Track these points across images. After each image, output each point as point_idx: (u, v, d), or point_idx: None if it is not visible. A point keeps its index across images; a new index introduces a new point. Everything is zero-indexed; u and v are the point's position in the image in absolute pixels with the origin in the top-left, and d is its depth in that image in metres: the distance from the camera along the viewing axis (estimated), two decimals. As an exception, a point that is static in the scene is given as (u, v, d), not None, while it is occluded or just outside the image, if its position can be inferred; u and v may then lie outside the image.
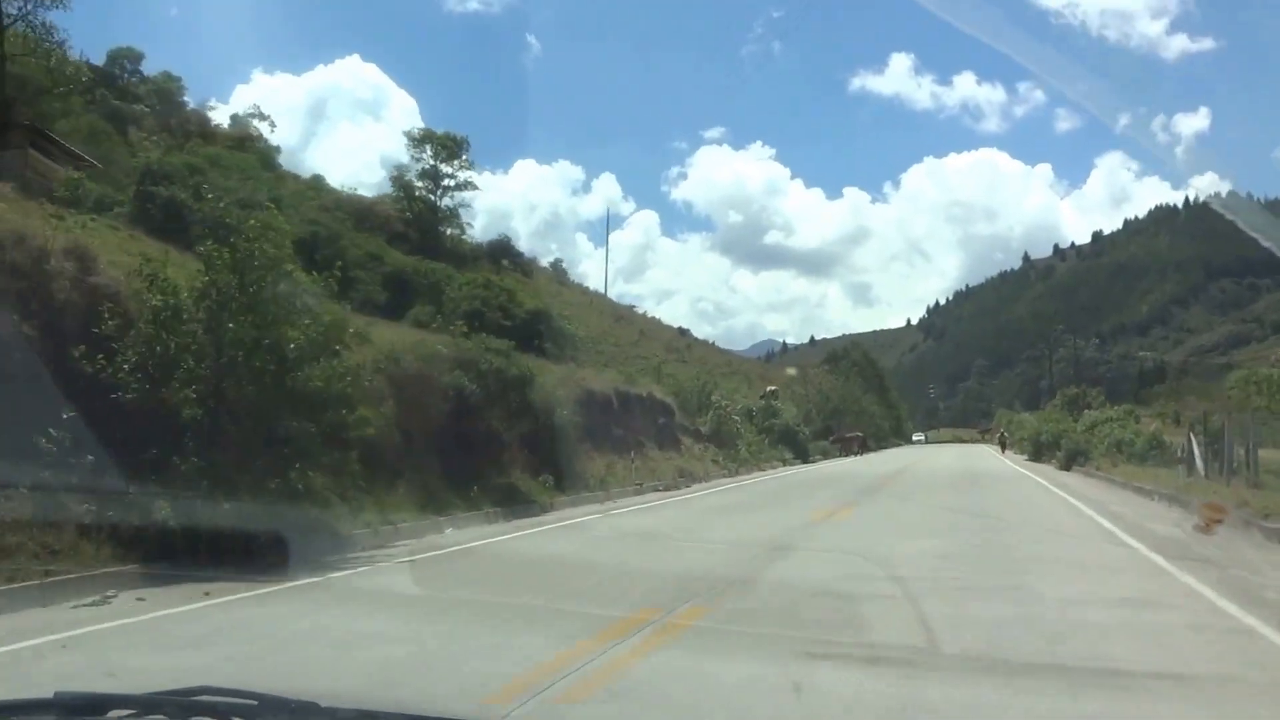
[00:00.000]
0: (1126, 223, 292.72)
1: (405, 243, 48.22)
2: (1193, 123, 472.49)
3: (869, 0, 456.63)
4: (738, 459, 42.50)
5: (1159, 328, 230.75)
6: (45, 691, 2.68)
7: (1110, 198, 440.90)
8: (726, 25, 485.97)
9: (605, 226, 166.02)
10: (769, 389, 75.11)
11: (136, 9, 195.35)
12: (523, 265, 65.05)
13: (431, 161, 53.92)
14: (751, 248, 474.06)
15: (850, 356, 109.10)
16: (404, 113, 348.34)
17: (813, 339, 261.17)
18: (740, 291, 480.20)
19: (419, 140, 54.47)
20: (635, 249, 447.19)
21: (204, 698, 2.73)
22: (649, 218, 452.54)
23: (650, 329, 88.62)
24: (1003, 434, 79.75)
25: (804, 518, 19.20)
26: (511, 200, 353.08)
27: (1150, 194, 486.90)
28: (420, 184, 53.92)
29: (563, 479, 24.48)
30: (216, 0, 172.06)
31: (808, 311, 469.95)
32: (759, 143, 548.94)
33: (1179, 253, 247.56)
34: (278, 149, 59.11)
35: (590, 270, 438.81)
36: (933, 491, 28.10)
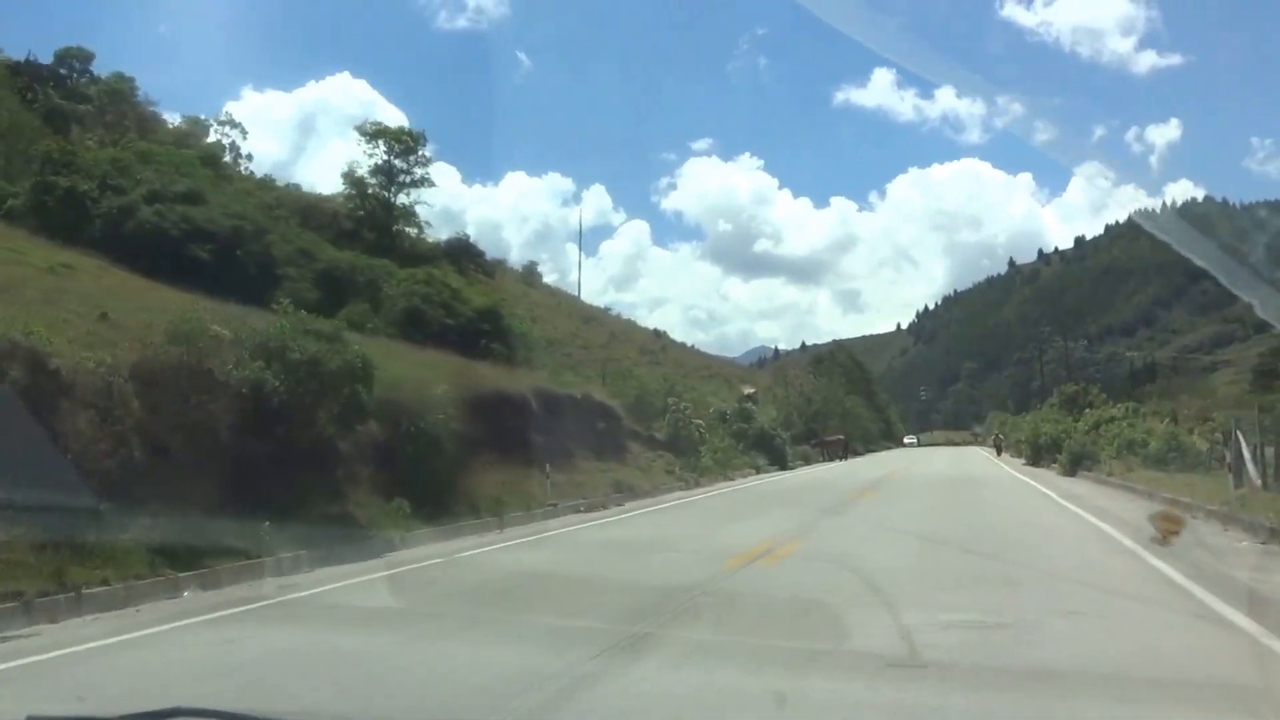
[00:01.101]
0: (1108, 227, 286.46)
1: (360, 242, 42.87)
2: (1164, 133, 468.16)
3: (850, 17, 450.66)
4: (698, 468, 35.85)
5: (1144, 329, 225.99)
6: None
7: (1090, 204, 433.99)
8: (713, 42, 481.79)
9: (579, 228, 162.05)
10: (747, 391, 68.62)
11: (123, 27, 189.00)
12: (484, 265, 59.39)
13: (385, 157, 48.21)
14: (742, 256, 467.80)
15: (836, 359, 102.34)
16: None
17: (804, 344, 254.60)
18: (732, 299, 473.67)
19: (371, 135, 48.61)
20: (626, 258, 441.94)
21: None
22: (640, 227, 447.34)
23: (623, 331, 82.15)
24: (998, 436, 73.06)
25: (715, 565, 12.42)
26: (502, 212, 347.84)
27: (1128, 201, 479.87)
28: (374, 181, 48.26)
29: (431, 504, 17.84)
30: (205, 18, 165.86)
31: (799, 318, 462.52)
32: (747, 154, 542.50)
33: (1160, 255, 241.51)
34: (248, 155, 54.41)
35: (583, 278, 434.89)
36: (916, 511, 21.36)
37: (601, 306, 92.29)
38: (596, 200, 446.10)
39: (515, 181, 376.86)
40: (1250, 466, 19.57)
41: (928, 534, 15.33)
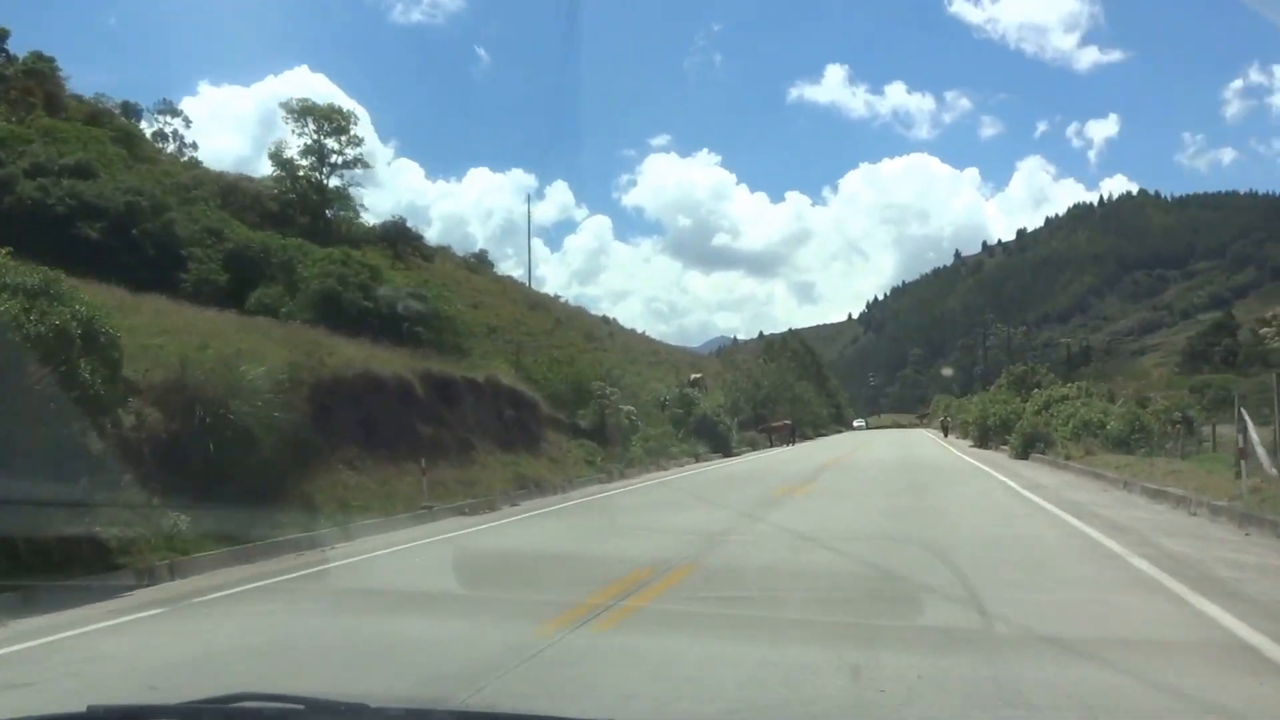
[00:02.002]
0: (1048, 220, 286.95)
1: (291, 226, 38.49)
2: (1103, 129, 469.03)
3: (805, 13, 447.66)
4: (625, 458, 31.12)
5: (1079, 316, 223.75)
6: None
7: (1031, 198, 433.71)
8: (669, 38, 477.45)
9: (528, 213, 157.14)
10: (693, 376, 63.82)
11: (71, 20, 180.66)
12: (423, 249, 54.78)
13: (315, 137, 43.37)
14: (701, 250, 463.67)
15: (788, 345, 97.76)
16: (356, 123, 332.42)
17: (761, 334, 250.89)
18: (692, 291, 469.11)
19: (300, 113, 43.59)
20: (589, 253, 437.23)
21: (246, 704, 2.57)
22: (601, 223, 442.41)
23: (570, 317, 77.18)
24: (945, 419, 68.76)
25: (548, 620, 7.55)
26: (466, 207, 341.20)
27: (1067, 194, 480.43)
28: (305, 162, 43.45)
29: (245, 515, 12.98)
30: (157, 13, 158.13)
31: (756, 309, 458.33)
32: (705, 150, 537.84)
33: (1096, 247, 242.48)
34: (192, 144, 50.84)
35: (548, 273, 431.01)
36: (856, 515, 16.62)
37: (551, 294, 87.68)
38: (559, 196, 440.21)
39: (478, 177, 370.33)
40: (1261, 452, 15.00)
41: (869, 556, 10.56)
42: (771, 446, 54.79)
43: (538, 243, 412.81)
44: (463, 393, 24.64)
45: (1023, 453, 32.17)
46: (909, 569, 9.28)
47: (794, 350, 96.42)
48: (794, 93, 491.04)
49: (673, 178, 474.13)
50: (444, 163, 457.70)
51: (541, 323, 71.66)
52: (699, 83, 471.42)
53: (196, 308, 21.23)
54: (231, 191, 41.46)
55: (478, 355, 33.54)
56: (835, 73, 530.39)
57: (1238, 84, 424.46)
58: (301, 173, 43.31)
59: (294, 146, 43.01)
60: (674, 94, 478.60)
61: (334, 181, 44.14)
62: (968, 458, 34.04)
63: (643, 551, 11.08)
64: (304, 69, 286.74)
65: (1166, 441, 26.00)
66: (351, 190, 44.82)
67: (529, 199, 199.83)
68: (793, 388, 70.07)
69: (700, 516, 15.52)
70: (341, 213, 44.84)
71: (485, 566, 11.23)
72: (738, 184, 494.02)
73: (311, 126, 43.36)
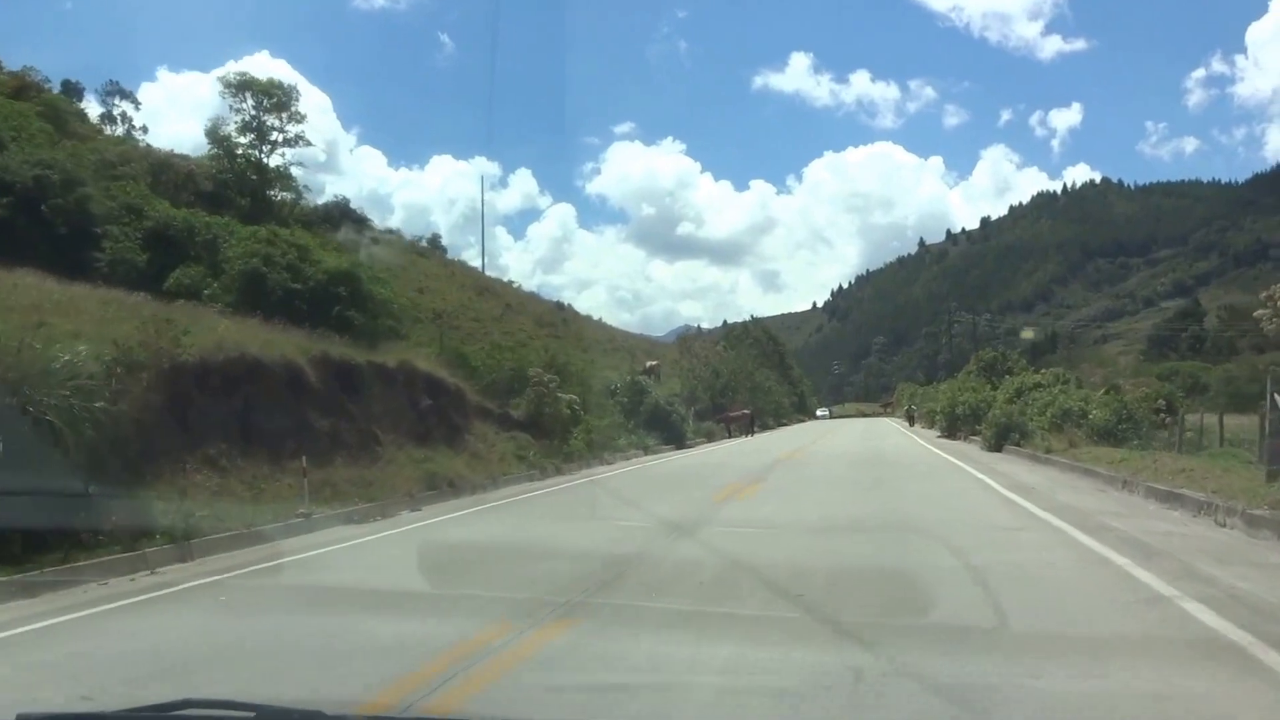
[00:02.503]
0: (1011, 209, 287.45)
1: (229, 206, 35.96)
2: (1066, 118, 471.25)
3: (769, 1, 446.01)
4: (563, 452, 28.30)
5: (1042, 304, 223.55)
6: None
7: (995, 187, 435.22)
8: (633, 25, 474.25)
9: (481, 199, 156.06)
10: (649, 364, 61.07)
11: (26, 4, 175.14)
12: (367, 231, 53.09)
13: (253, 112, 39.98)
14: (665, 239, 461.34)
15: (750, 332, 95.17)
16: (317, 109, 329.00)
17: (725, 323, 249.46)
18: (656, 280, 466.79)
19: (237, 87, 40.26)
20: (553, 241, 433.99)
21: (190, 711, 2.47)
22: (565, 211, 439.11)
23: (522, 303, 74.29)
24: (910, 408, 66.50)
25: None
26: (430, 195, 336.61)
27: (1031, 183, 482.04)
28: (243, 140, 40.29)
29: (45, 531, 10.07)
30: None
31: (720, 298, 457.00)
32: (670, 138, 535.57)
33: (1059, 235, 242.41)
34: (142, 127, 48.61)
35: (512, 261, 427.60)
36: (808, 529, 13.78)
37: (506, 280, 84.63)
38: (522, 184, 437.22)
39: (441, 165, 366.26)
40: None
41: (816, 600, 7.67)
42: (730, 437, 52.16)
43: (501, 231, 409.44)
44: (368, 380, 21.64)
45: (996, 445, 29.73)
46: (865, 633, 6.37)
47: (756, 337, 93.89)
48: (758, 81, 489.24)
49: (637, 166, 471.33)
50: (407, 150, 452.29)
51: (491, 308, 68.82)
52: (663, 70, 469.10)
53: (64, 284, 18.33)
54: (163, 169, 38.55)
55: (415, 341, 31.12)
56: (800, 61, 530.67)
57: (1200, 73, 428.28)
58: (240, 151, 40.16)
59: (232, 123, 39.84)
60: (638, 82, 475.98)
61: (276, 161, 41.02)
62: (937, 450, 31.54)
63: (492, 606, 8.18)
64: (264, 54, 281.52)
65: (1156, 433, 23.53)
66: (294, 169, 41.82)
67: (482, 181, 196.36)
68: (753, 375, 67.42)
69: (604, 537, 12.44)
70: (283, 194, 42.04)
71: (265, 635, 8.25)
72: (702, 172, 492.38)
73: (250, 102, 40.10)
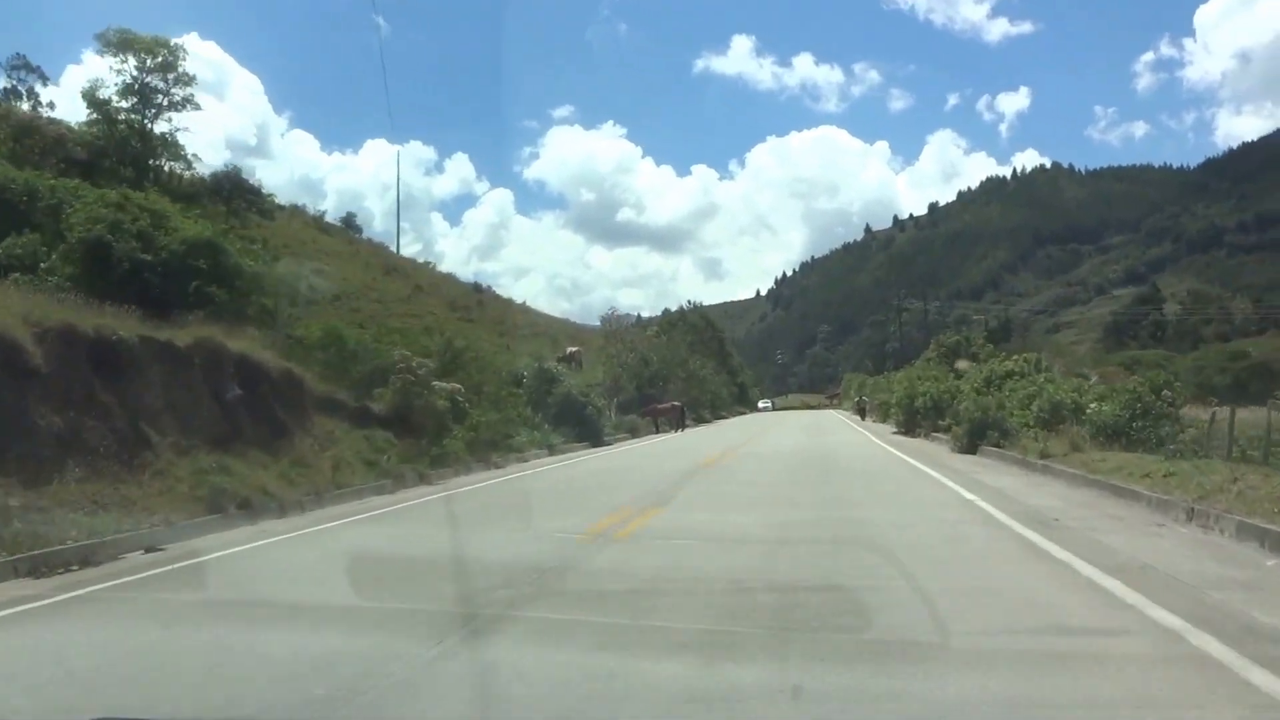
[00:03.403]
0: (960, 194, 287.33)
1: (110, 177, 32.84)
2: (1014, 102, 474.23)
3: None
4: (434, 454, 22.93)
5: (992, 291, 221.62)
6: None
7: (942, 173, 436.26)
8: (572, 7, 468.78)
9: (397, 174, 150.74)
10: (569, 350, 55.71)
11: None
12: (262, 204, 48.59)
13: (134, 74, 37.31)
14: (605, 225, 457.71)
15: (687, 318, 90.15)
16: (249, 92, 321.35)
17: (666, 312, 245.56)
18: (595, 268, 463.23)
19: (118, 46, 37.02)
20: (490, 227, 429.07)
21: None
22: (503, 196, 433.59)
23: (435, 285, 69.13)
24: (861, 399, 61.78)
25: None
26: (363, 180, 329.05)
27: (978, 168, 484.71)
28: (125, 104, 37.70)
29: None
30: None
31: (661, 286, 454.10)
32: (610, 122, 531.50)
33: (1008, 221, 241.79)
34: (49, 103, 46.45)
35: (448, 248, 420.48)
36: (719, 576, 8.61)
37: (420, 261, 78.92)
38: (459, 169, 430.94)
39: (376, 149, 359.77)
40: None
41: None
42: (658, 432, 47.08)
43: (437, 217, 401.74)
44: (142, 362, 16.13)
45: (969, 445, 24.80)
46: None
47: (693, 323, 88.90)
48: (700, 64, 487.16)
49: (576, 150, 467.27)
50: (340, 134, 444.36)
51: (397, 289, 63.62)
52: (603, 53, 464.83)
53: None
54: (26, 133, 34.54)
55: (305, 325, 27.23)
56: (742, 43, 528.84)
57: (1149, 57, 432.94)
58: (123, 117, 37.23)
59: (113, 86, 36.80)
60: (578, 64, 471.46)
61: (162, 127, 38.19)
62: (897, 450, 26.54)
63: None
64: (194, 36, 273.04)
65: (1179, 433, 18.67)
66: (181, 136, 38.55)
67: (398, 156, 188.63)
68: (687, 363, 62.26)
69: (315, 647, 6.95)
70: (171, 163, 39.22)
71: None
72: (643, 157, 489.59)
73: (133, 62, 37.04)
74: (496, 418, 29.61)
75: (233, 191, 44.70)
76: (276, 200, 68.16)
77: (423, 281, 69.17)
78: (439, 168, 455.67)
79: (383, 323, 41.61)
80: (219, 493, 14.67)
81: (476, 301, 69.28)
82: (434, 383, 27.35)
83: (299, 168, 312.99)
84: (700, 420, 61.85)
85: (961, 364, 41.11)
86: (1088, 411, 21.39)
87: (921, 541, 10.10)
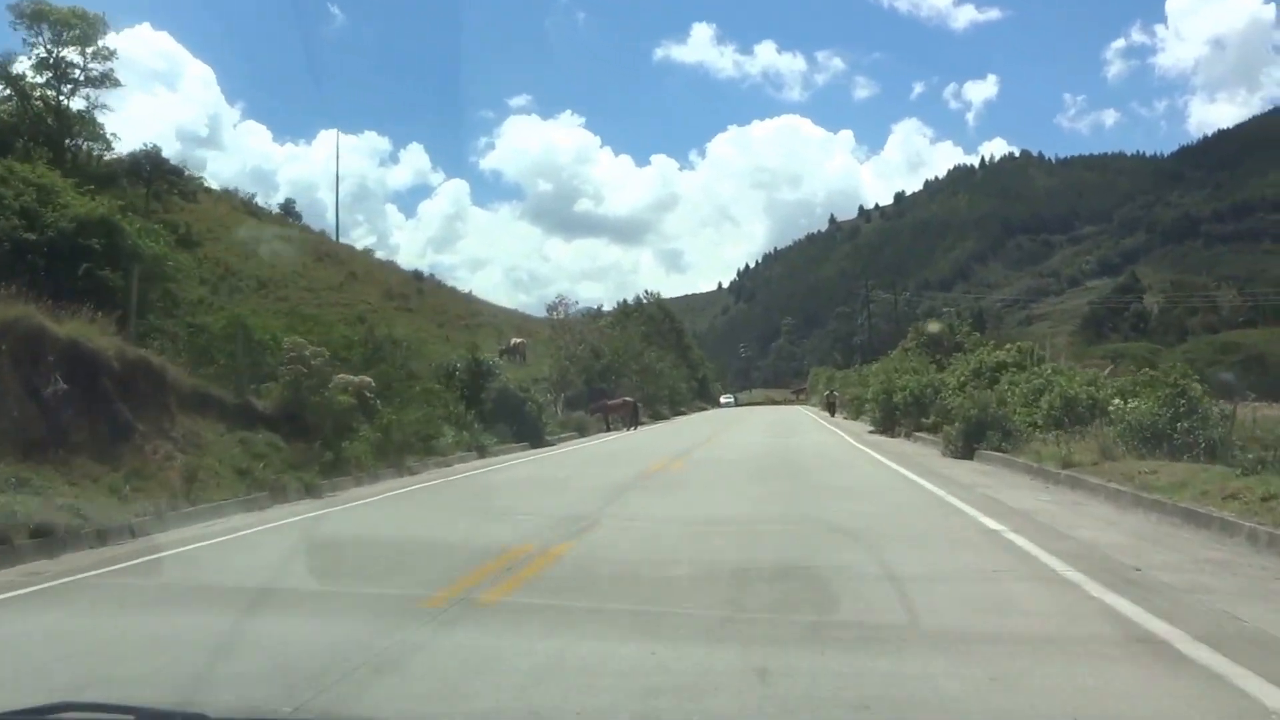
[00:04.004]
0: (927, 183, 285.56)
1: (28, 158, 29.06)
2: (981, 90, 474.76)
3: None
4: (331, 460, 19.31)
5: (961, 282, 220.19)
6: None
7: (907, 162, 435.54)
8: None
9: (335, 162, 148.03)
10: (513, 341, 52.11)
11: None
12: (183, 185, 46.42)
13: (49, 48, 36.38)
14: (563, 216, 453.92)
15: (644, 309, 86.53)
16: (201, 82, 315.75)
17: (622, 303, 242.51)
18: (553, 260, 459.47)
19: (31, 17, 36.09)
20: (445, 219, 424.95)
21: (68, 715, 2.36)
22: (459, 187, 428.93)
23: (371, 272, 65.69)
24: (830, 394, 58.48)
25: None
26: (315, 171, 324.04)
27: (945, 158, 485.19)
28: (40, 80, 36.95)
29: None
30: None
31: (621, 278, 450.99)
32: (568, 111, 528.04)
33: (977, 210, 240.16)
34: None
35: (403, 240, 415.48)
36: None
37: (360, 249, 75.14)
38: (414, 159, 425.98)
39: (329, 140, 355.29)
40: None
41: None
42: (609, 430, 43.55)
43: (391, 209, 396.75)
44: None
45: (964, 449, 21.44)
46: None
47: (650, 314, 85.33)
48: (659, 52, 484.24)
49: (534, 140, 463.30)
50: (293, 125, 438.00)
51: (329, 276, 60.29)
52: (561, 41, 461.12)
53: None
54: None
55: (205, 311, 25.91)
56: (702, 31, 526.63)
57: (1120, 43, 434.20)
58: (37, 93, 36.61)
59: (26, 59, 36.35)
60: (535, 53, 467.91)
61: (80, 104, 37.61)
62: (879, 454, 23.07)
63: None
64: (146, 26, 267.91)
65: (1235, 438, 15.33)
66: (98, 114, 37.97)
67: (337, 137, 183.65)
68: (642, 356, 58.65)
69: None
70: (88, 142, 38.43)
71: None
72: (602, 147, 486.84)
73: (48, 35, 36.19)
74: (416, 416, 26.00)
75: (153, 173, 42.94)
76: (208, 184, 65.52)
77: (358, 269, 65.62)
78: (393, 158, 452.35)
79: (298, 310, 37.91)
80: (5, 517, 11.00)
81: (417, 290, 65.66)
82: (341, 376, 23.81)
83: (251, 159, 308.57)
84: (658, 417, 58.36)
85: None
86: (1110, 409, 18.08)
87: (956, 619, 6.59)
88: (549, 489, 17.11)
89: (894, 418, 32.78)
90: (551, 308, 52.71)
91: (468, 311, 67.01)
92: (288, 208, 79.89)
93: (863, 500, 13.88)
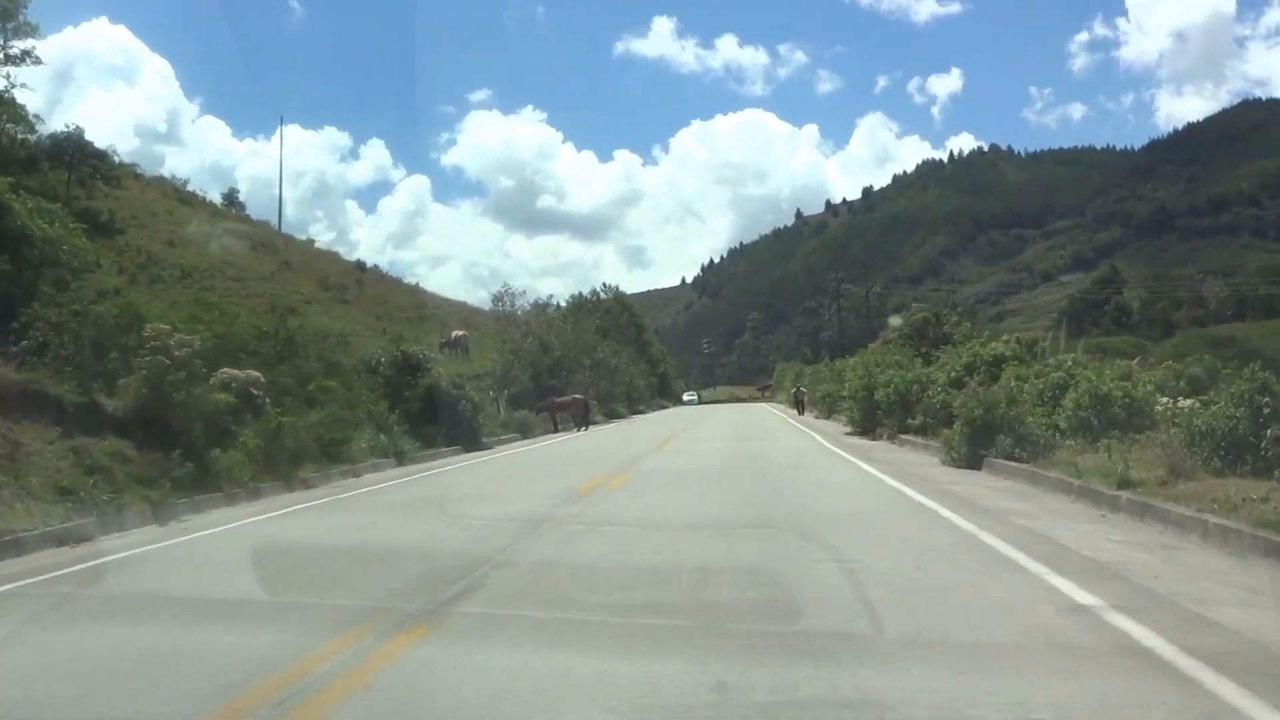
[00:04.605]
0: (895, 177, 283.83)
1: None
2: (946, 84, 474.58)
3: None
4: (192, 474, 15.48)
5: (931, 278, 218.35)
6: None
7: (874, 157, 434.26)
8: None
9: (280, 146, 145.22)
10: (455, 334, 48.28)
11: None
12: (106, 170, 45.21)
13: None
14: (525, 212, 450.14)
15: (601, 302, 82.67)
16: (159, 77, 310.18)
17: (578, 296, 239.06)
18: (515, 256, 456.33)
19: None
20: (406, 215, 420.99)
21: None
22: (419, 183, 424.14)
23: (308, 261, 61.69)
24: (799, 390, 54.88)
25: None
26: (275, 166, 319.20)
27: (912, 152, 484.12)
28: None
29: None
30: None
31: (583, 274, 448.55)
32: (530, 106, 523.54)
33: (947, 205, 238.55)
34: None
35: (363, 237, 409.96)
36: None
37: (303, 239, 70.82)
38: (375, 155, 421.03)
39: (289, 135, 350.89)
40: None
41: None
42: (556, 430, 39.84)
43: (352, 205, 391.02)
44: None
45: (969, 457, 17.86)
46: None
47: (607, 307, 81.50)
48: (620, 47, 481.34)
49: (495, 136, 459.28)
50: (252, 120, 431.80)
51: (262, 266, 56.24)
52: (521, 36, 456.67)
53: None
54: None
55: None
56: (663, 25, 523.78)
57: (1083, 37, 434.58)
58: None
59: None
60: (495, 48, 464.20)
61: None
62: (869, 465, 19.30)
63: None
64: (103, 20, 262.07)
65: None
66: (18, 93, 36.42)
67: (281, 121, 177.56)
68: (595, 350, 54.79)
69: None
70: (8, 124, 36.86)
71: None
72: (564, 142, 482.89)
73: None
74: (317, 418, 22.18)
75: (75, 157, 41.77)
76: (139, 169, 61.32)
77: (294, 258, 61.59)
78: (354, 154, 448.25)
79: (201, 298, 33.85)
80: None
81: (356, 281, 61.52)
82: (225, 371, 20.07)
83: (209, 154, 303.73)
84: (613, 416, 54.66)
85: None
86: (1163, 409, 14.57)
87: None
88: (432, 523, 13.25)
89: (875, 418, 29.25)
90: (497, 299, 48.72)
91: (412, 304, 62.98)
92: (231, 198, 76.18)
93: (865, 534, 10.22)
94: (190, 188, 65.77)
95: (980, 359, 25.03)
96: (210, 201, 68.29)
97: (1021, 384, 19.52)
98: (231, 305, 27.98)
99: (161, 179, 65.47)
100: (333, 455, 21.47)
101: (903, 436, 26.12)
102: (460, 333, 47.44)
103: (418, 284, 76.13)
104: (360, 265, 67.14)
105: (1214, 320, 79.38)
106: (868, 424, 29.79)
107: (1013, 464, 16.42)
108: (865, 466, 18.99)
